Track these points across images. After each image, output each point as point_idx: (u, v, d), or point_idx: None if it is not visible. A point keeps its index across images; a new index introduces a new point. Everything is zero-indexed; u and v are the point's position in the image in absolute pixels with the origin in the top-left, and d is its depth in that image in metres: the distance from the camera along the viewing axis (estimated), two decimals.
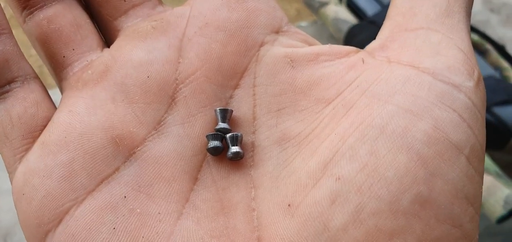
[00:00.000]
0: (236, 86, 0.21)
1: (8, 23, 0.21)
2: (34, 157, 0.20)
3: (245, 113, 0.21)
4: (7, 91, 0.21)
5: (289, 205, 0.19)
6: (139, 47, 0.21)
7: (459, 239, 0.18)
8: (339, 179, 0.18)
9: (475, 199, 0.18)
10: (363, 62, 0.21)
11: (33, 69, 0.22)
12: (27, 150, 0.20)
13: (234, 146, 0.20)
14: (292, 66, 0.21)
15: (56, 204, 0.19)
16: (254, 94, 0.21)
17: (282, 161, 0.20)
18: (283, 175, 0.20)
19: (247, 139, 0.21)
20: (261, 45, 0.22)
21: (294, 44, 0.22)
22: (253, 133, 0.21)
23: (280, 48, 0.22)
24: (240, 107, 0.21)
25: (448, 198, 0.18)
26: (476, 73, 0.20)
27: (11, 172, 0.20)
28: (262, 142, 0.21)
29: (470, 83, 0.19)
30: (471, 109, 0.19)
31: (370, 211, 0.17)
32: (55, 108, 0.21)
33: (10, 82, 0.21)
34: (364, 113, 0.19)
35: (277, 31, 0.22)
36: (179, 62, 0.21)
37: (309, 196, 0.18)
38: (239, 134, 0.20)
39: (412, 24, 0.21)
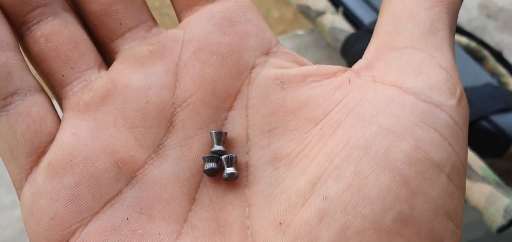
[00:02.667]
0: (230, 109, 0.22)
1: (13, 37, 0.22)
2: (41, 178, 0.20)
3: (239, 134, 0.22)
4: (10, 104, 0.21)
5: (280, 223, 0.19)
6: (138, 72, 0.22)
7: None
8: (326, 198, 0.19)
9: (455, 215, 0.19)
10: (350, 82, 0.21)
11: (37, 82, 0.22)
12: (32, 168, 0.21)
13: (229, 167, 0.21)
14: (282, 87, 0.22)
15: (63, 226, 0.20)
16: (247, 116, 0.22)
17: (274, 180, 0.21)
18: (275, 193, 0.20)
19: (241, 159, 0.22)
20: (253, 67, 0.22)
21: (284, 65, 0.23)
22: (247, 153, 0.22)
23: (270, 70, 0.22)
24: (234, 128, 0.22)
25: (429, 216, 0.18)
26: (458, 91, 0.20)
27: (18, 189, 0.21)
28: (255, 162, 0.21)
29: (451, 102, 0.20)
30: (452, 128, 0.19)
31: (355, 230, 0.18)
32: (59, 121, 0.22)
33: (12, 94, 0.21)
34: (349, 134, 0.20)
35: (267, 53, 0.23)
36: (175, 87, 0.22)
37: (298, 215, 0.19)
38: (234, 155, 0.21)
39: (396, 43, 0.21)
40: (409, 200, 0.18)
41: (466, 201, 0.59)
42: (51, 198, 0.20)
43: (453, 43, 0.21)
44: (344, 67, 0.22)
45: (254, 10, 0.24)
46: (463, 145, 0.20)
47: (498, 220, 0.56)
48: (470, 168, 0.59)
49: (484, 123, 0.67)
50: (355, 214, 0.18)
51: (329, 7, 0.76)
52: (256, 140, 0.22)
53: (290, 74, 0.22)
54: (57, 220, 0.20)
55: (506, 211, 0.56)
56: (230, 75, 0.22)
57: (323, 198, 0.19)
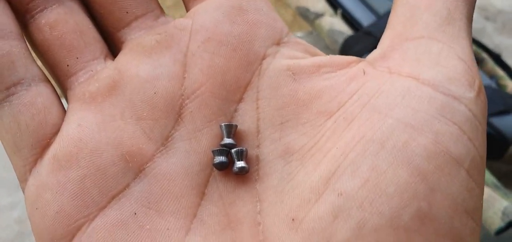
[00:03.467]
0: (240, 100, 0.22)
1: (17, 26, 0.21)
2: (46, 171, 0.20)
3: (249, 127, 0.21)
4: (13, 94, 0.20)
5: (293, 220, 0.19)
6: (145, 62, 0.21)
7: None
8: (341, 194, 0.18)
9: (475, 212, 0.19)
10: (364, 73, 0.21)
11: (42, 72, 0.21)
12: (36, 160, 0.20)
13: (239, 160, 0.21)
14: (294, 79, 0.21)
15: (69, 221, 0.19)
16: (257, 108, 0.21)
17: (286, 175, 0.20)
18: (287, 188, 0.20)
19: (251, 152, 0.21)
20: (263, 58, 0.22)
21: (296, 55, 0.22)
22: (258, 146, 0.21)
23: (282, 61, 0.22)
24: (244, 121, 0.21)
25: (448, 213, 0.18)
26: (477, 83, 0.20)
27: (22, 182, 0.21)
28: (266, 155, 0.21)
29: (470, 94, 0.19)
30: (471, 121, 0.19)
31: (371, 227, 0.18)
32: (65, 112, 0.21)
33: (16, 84, 0.20)
34: (365, 127, 0.19)
35: (278, 43, 0.22)
36: (184, 78, 0.21)
37: (312, 210, 0.18)
38: (244, 149, 0.21)
39: (412, 33, 0.20)
40: (428, 197, 0.18)
41: None
42: (56, 192, 0.20)
43: (470, 34, 0.21)
44: (358, 58, 0.22)
45: None
46: (482, 139, 0.19)
47: (496, 222, 0.56)
48: None
49: None
50: (371, 210, 0.18)
51: (328, 9, 0.76)
52: (267, 133, 0.21)
53: (302, 65, 0.22)
54: (62, 215, 0.20)
55: (504, 213, 0.56)
56: (240, 66, 0.22)
57: (338, 194, 0.18)
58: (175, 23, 0.22)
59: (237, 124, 0.21)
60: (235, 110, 0.22)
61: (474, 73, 0.20)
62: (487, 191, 0.58)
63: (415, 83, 0.19)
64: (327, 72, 0.21)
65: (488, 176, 0.60)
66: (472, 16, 0.21)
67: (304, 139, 0.20)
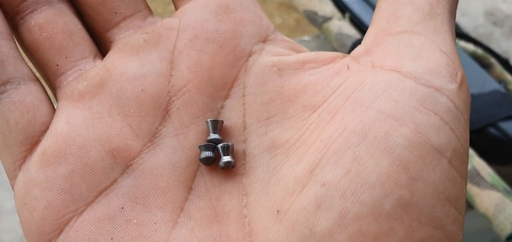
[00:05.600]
0: (226, 97, 0.22)
1: (6, 26, 0.21)
2: (35, 167, 0.20)
3: (236, 123, 0.22)
4: (2, 93, 0.21)
5: (278, 211, 0.19)
6: (133, 60, 0.22)
7: (442, 241, 0.18)
8: (324, 184, 0.18)
9: (457, 200, 0.19)
10: (348, 68, 0.21)
11: (31, 71, 0.22)
12: (25, 157, 0.21)
13: (225, 155, 0.21)
14: (280, 75, 0.22)
15: (57, 215, 0.20)
16: (243, 104, 0.22)
17: (272, 168, 0.20)
18: (273, 181, 0.20)
19: (238, 147, 0.21)
20: (249, 55, 0.22)
21: (281, 52, 0.22)
22: (244, 141, 0.21)
23: (267, 58, 0.22)
24: (231, 117, 0.22)
25: (429, 201, 0.18)
26: (459, 75, 0.20)
27: (11, 179, 0.21)
28: (252, 150, 0.21)
29: (452, 86, 0.19)
30: (453, 112, 0.19)
31: (353, 216, 0.18)
32: (54, 110, 0.21)
33: (5, 83, 0.21)
34: (347, 119, 0.19)
35: (264, 40, 0.23)
36: (171, 75, 0.22)
37: (296, 201, 0.19)
38: (230, 144, 0.21)
39: (395, 28, 0.21)
40: (409, 185, 0.18)
41: (474, 209, 0.59)
42: (45, 188, 0.20)
43: (453, 28, 0.21)
44: (343, 54, 0.22)
45: None
46: (464, 130, 0.19)
47: (507, 227, 0.56)
48: (479, 175, 0.59)
49: (491, 130, 0.67)
50: (353, 200, 0.18)
51: (336, 13, 0.76)
52: (253, 128, 0.21)
53: (288, 61, 0.22)
54: (50, 210, 0.20)
55: None
56: (226, 63, 0.22)
57: (321, 184, 0.18)
58: (163, 22, 0.23)
59: (223, 120, 0.22)
60: (222, 107, 0.22)
61: (456, 66, 0.20)
62: (497, 196, 0.58)
63: (397, 76, 0.20)
64: (312, 68, 0.22)
65: (498, 181, 0.60)
66: (455, 11, 0.21)
67: (289, 132, 0.21)
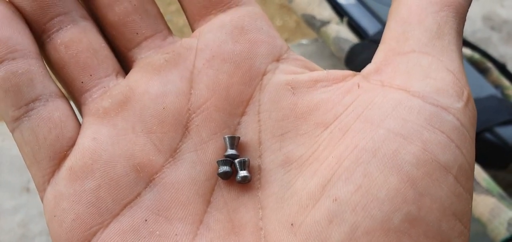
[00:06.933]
0: (242, 114, 0.23)
1: (35, 45, 0.22)
2: (63, 181, 0.21)
3: (252, 139, 0.23)
4: (32, 109, 0.22)
5: (292, 224, 0.20)
6: (155, 79, 0.23)
7: None
8: (336, 200, 0.19)
9: (463, 215, 0.20)
10: (359, 86, 0.22)
11: (58, 88, 0.23)
12: (54, 171, 0.22)
13: (242, 170, 0.22)
14: (293, 93, 0.23)
15: (85, 227, 0.21)
16: (259, 121, 0.23)
17: (286, 183, 0.21)
18: (287, 195, 0.21)
19: (254, 162, 0.22)
20: (264, 74, 0.23)
21: (295, 71, 0.23)
22: (259, 156, 0.22)
23: (281, 76, 0.23)
24: (247, 133, 0.23)
25: (436, 216, 0.19)
26: (465, 94, 0.21)
27: (41, 191, 0.22)
28: (267, 165, 0.22)
29: (458, 105, 0.20)
30: (459, 130, 0.20)
31: (364, 230, 0.19)
32: (80, 126, 0.22)
33: (34, 100, 0.22)
34: (358, 137, 0.20)
35: (278, 59, 0.23)
36: (190, 94, 0.23)
37: (309, 215, 0.20)
38: (247, 159, 0.22)
39: (404, 48, 0.22)
40: (417, 201, 0.19)
41: None
42: (73, 201, 0.21)
43: (460, 47, 0.22)
44: (354, 72, 0.23)
45: (265, 18, 0.24)
46: (470, 147, 0.20)
47: (501, 232, 0.56)
48: (474, 180, 0.59)
49: (488, 135, 0.68)
50: (364, 214, 0.19)
51: (334, 17, 0.76)
52: (268, 144, 0.22)
53: (301, 79, 0.23)
54: (78, 222, 0.21)
55: (510, 223, 0.56)
56: (242, 81, 0.23)
57: (333, 200, 0.19)
58: (182, 42, 0.24)
59: (240, 136, 0.23)
60: (238, 123, 0.23)
61: (462, 84, 0.21)
62: (492, 201, 0.58)
63: (405, 95, 0.20)
64: (324, 86, 0.22)
65: (494, 186, 0.60)
66: (462, 30, 0.22)
67: (302, 148, 0.22)
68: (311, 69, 0.24)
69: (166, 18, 0.25)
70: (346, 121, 0.21)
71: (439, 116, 0.20)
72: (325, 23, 0.74)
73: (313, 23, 0.74)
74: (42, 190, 0.22)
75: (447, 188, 0.19)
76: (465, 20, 0.22)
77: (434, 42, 0.21)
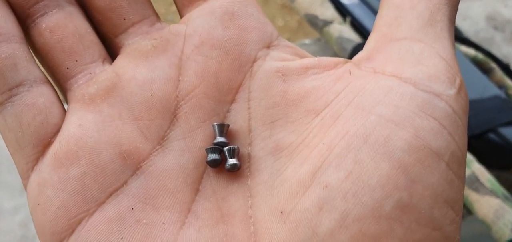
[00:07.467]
0: (232, 101, 0.23)
1: (19, 30, 0.22)
2: (48, 168, 0.21)
3: (241, 126, 0.22)
4: (15, 95, 0.21)
5: (282, 212, 0.20)
6: (142, 66, 0.22)
7: (439, 241, 0.19)
8: (326, 186, 0.19)
9: (455, 202, 0.19)
10: (350, 73, 0.22)
11: (43, 74, 0.22)
12: (38, 159, 0.21)
13: (231, 158, 0.21)
14: (284, 80, 0.22)
15: (69, 216, 0.20)
16: (249, 108, 0.22)
17: (276, 170, 0.21)
18: (277, 183, 0.21)
19: (243, 150, 0.22)
20: (254, 61, 0.23)
21: (285, 58, 0.23)
22: (249, 144, 0.22)
23: (272, 63, 0.23)
24: (237, 120, 0.22)
25: (428, 203, 0.19)
26: (457, 81, 0.20)
27: (24, 179, 0.22)
28: (257, 153, 0.22)
29: (451, 92, 0.20)
30: (451, 117, 0.20)
31: (355, 217, 0.18)
32: (65, 112, 0.22)
33: (18, 85, 0.21)
34: (349, 124, 0.20)
35: (269, 46, 0.23)
36: (179, 80, 0.22)
37: (299, 203, 0.19)
38: (236, 147, 0.22)
39: (396, 35, 0.21)
40: (409, 188, 0.19)
41: (473, 214, 0.59)
42: (57, 188, 0.21)
43: (453, 34, 0.22)
44: (345, 59, 0.23)
45: (255, 4, 0.24)
46: (462, 134, 0.20)
47: (506, 234, 0.56)
48: (478, 181, 0.59)
49: (491, 135, 0.67)
50: (355, 201, 0.19)
51: (337, 17, 0.76)
52: (258, 132, 0.22)
53: (291, 66, 0.22)
54: (63, 210, 0.20)
55: None
56: (232, 68, 0.23)
57: (324, 187, 0.19)
58: (170, 28, 0.23)
59: (229, 123, 0.22)
60: (228, 111, 0.22)
61: (455, 71, 0.21)
62: (496, 202, 0.57)
63: (397, 81, 0.20)
64: (315, 73, 0.22)
65: (498, 187, 0.60)
66: (455, 17, 0.22)
67: (293, 136, 0.21)
68: (302, 57, 0.23)
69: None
70: (337, 108, 0.21)
71: (431, 102, 0.20)
72: (327, 23, 0.73)
73: (315, 23, 0.73)
74: (25, 178, 0.21)
75: (439, 175, 0.19)
76: (457, 8, 0.22)
77: (426, 29, 0.21)
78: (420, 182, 0.19)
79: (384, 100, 0.20)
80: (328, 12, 0.75)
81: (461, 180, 0.20)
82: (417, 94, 0.20)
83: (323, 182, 0.19)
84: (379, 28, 0.22)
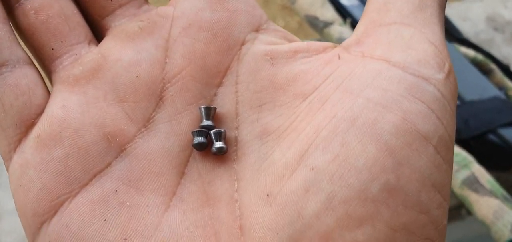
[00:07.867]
0: (219, 85, 0.22)
1: (2, 10, 0.22)
2: (30, 149, 0.21)
3: (228, 110, 0.22)
4: None
5: (268, 195, 0.20)
6: (128, 47, 0.22)
7: (426, 225, 0.19)
8: (312, 169, 0.19)
9: (442, 186, 0.19)
10: (339, 57, 0.21)
11: (27, 55, 0.22)
12: (20, 139, 0.21)
13: (218, 141, 0.21)
14: (272, 63, 0.22)
15: (52, 197, 0.20)
16: (236, 92, 0.22)
17: (263, 154, 0.21)
18: (264, 167, 0.21)
19: (230, 134, 0.22)
20: (243, 44, 0.23)
21: (274, 41, 0.23)
22: (236, 128, 0.22)
23: (260, 46, 0.22)
24: (224, 104, 0.22)
25: (415, 186, 0.19)
26: (446, 66, 0.20)
27: (6, 160, 0.21)
28: (244, 136, 0.22)
29: (439, 76, 0.20)
30: (440, 101, 0.20)
31: (341, 199, 0.18)
32: (49, 94, 0.22)
33: (0, 66, 0.21)
34: (337, 107, 0.20)
35: (257, 30, 0.23)
36: (165, 62, 0.22)
37: (285, 186, 0.19)
38: (223, 130, 0.21)
39: (385, 20, 0.21)
40: (396, 170, 0.18)
41: (473, 215, 0.59)
42: (40, 169, 0.20)
43: (443, 19, 0.22)
44: (334, 44, 0.23)
45: None
46: (451, 118, 0.20)
47: (505, 234, 0.56)
48: (478, 181, 0.59)
49: (491, 136, 0.67)
50: (341, 183, 0.18)
51: (337, 18, 0.76)
52: (245, 115, 0.22)
53: (280, 50, 0.22)
54: (45, 191, 0.20)
55: None
56: (220, 51, 0.22)
57: (310, 169, 0.19)
58: (158, 10, 0.23)
59: (216, 107, 0.22)
60: (215, 94, 0.22)
61: (444, 56, 0.21)
62: (496, 202, 0.58)
63: (386, 65, 0.20)
64: (304, 57, 0.22)
65: (498, 188, 0.60)
66: (445, 3, 0.22)
67: (280, 120, 0.21)
68: (291, 41, 0.23)
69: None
70: (325, 92, 0.21)
71: (419, 86, 0.19)
72: (328, 24, 0.74)
73: (316, 24, 0.74)
74: (8, 159, 0.21)
75: (426, 158, 0.19)
76: None
77: (416, 14, 0.21)
78: (408, 165, 0.19)
79: (372, 83, 0.20)
80: (329, 13, 0.76)
81: (449, 164, 0.20)
82: (406, 77, 0.20)
83: (309, 165, 0.19)
84: (369, 13, 0.22)
